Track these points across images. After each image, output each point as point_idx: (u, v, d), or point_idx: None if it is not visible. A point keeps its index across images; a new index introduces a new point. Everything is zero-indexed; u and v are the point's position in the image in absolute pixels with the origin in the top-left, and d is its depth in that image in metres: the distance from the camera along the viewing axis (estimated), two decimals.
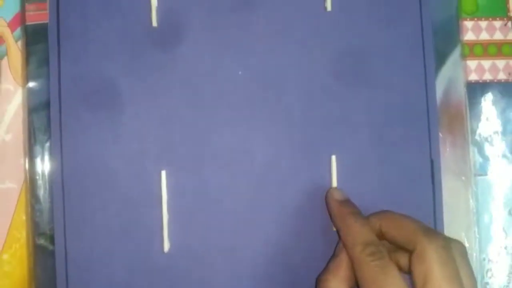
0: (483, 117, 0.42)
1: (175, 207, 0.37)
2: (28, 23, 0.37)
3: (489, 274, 0.41)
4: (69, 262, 0.35)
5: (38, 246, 0.36)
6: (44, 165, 0.37)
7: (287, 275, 0.38)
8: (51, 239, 0.36)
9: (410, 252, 0.33)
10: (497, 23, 0.43)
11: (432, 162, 0.40)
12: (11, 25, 0.37)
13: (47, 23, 0.37)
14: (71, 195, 0.36)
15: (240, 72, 0.38)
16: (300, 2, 0.39)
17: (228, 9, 0.38)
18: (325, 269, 0.35)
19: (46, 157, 0.37)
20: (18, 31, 0.37)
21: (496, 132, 0.42)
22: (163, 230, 0.36)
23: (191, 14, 0.38)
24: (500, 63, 0.42)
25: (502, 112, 0.42)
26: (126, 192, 0.36)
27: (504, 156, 0.42)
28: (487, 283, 0.41)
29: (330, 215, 0.37)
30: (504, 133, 0.42)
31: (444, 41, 0.42)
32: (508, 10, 0.43)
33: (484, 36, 0.43)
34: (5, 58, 0.37)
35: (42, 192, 0.36)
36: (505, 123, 0.42)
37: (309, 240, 0.38)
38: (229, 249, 0.37)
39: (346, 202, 0.37)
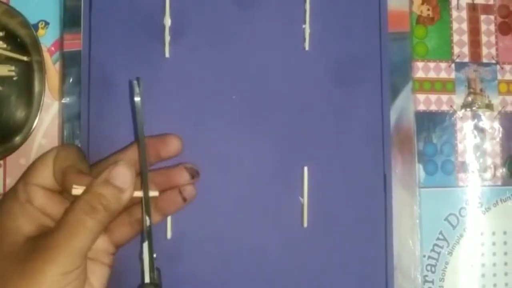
0: (427, 140, 0.45)
1: None
2: (65, 49, 0.40)
3: (428, 268, 0.44)
4: None
5: None
6: None
7: (263, 260, 0.41)
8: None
9: None
10: (443, 65, 0.46)
11: (385, 176, 0.44)
12: (50, 50, 0.41)
13: (80, 50, 0.40)
14: None
15: (234, 97, 0.42)
16: (280, 43, 0.43)
17: (227, 39, 0.42)
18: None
19: None
20: (56, 55, 0.41)
21: (437, 153, 0.46)
22: (167, 220, 0.40)
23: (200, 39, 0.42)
24: (444, 97, 0.46)
25: (442, 136, 0.46)
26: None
27: (442, 171, 0.45)
28: (426, 276, 0.44)
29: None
30: (442, 153, 0.46)
31: (399, 77, 0.45)
32: (452, 54, 0.46)
33: (432, 74, 0.46)
34: (45, 77, 0.40)
35: None
36: (443, 145, 0.46)
37: (281, 235, 0.42)
38: (221, 237, 0.41)
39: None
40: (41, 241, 0.29)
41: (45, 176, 0.31)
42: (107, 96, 0.41)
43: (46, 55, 0.41)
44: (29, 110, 0.40)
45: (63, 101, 0.41)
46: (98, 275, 0.32)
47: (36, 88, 0.40)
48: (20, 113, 0.40)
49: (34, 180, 0.31)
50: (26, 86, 0.40)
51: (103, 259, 0.33)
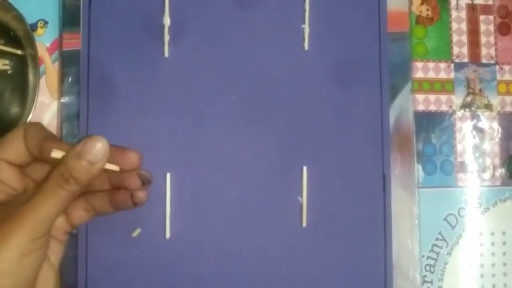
0: (426, 140, 0.46)
1: (176, 203, 0.40)
2: (64, 49, 0.40)
3: (427, 268, 0.44)
4: (89, 243, 0.39)
5: None
6: None
7: (262, 260, 0.42)
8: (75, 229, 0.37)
9: None
10: (442, 65, 0.46)
11: (384, 176, 0.44)
12: (49, 50, 0.41)
13: (79, 49, 0.40)
14: None
15: (233, 97, 0.42)
16: (280, 43, 0.43)
17: (227, 40, 0.42)
18: None
19: None
20: (55, 54, 0.41)
21: (436, 153, 0.46)
22: (166, 221, 0.40)
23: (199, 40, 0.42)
24: (443, 97, 0.46)
25: (441, 136, 0.46)
26: None
27: (441, 172, 0.45)
28: (425, 276, 0.44)
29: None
30: (441, 153, 0.46)
31: (398, 78, 0.45)
32: (451, 54, 0.46)
33: (431, 75, 0.46)
34: (44, 76, 0.41)
35: None
36: (442, 145, 0.46)
37: (280, 235, 0.42)
38: (220, 237, 0.41)
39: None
40: (12, 208, 0.31)
41: (13, 151, 0.33)
42: (106, 95, 0.41)
43: (45, 54, 0.41)
44: (24, 104, 0.40)
45: (62, 100, 0.41)
46: (55, 251, 0.34)
47: (31, 82, 0.40)
48: (14, 108, 0.40)
49: (1, 155, 0.33)
50: (20, 80, 0.40)
51: (60, 236, 0.35)
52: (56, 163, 0.32)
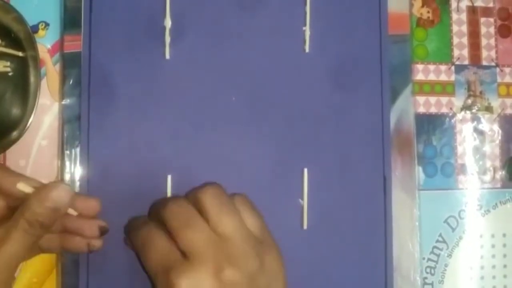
0: (427, 143, 0.46)
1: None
2: (65, 51, 0.40)
3: (427, 270, 0.45)
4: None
5: None
6: (73, 166, 0.40)
7: None
8: None
9: None
10: (443, 67, 0.47)
11: (384, 178, 0.44)
12: (51, 52, 0.41)
13: (80, 51, 0.40)
14: (95, 191, 0.39)
15: (233, 98, 0.42)
16: (281, 45, 0.43)
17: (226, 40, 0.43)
18: None
19: (75, 160, 0.40)
20: (56, 56, 0.41)
21: (436, 155, 0.46)
22: None
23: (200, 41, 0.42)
24: (444, 99, 0.46)
25: (442, 139, 0.46)
26: (138, 190, 0.40)
27: (442, 174, 0.46)
28: (426, 278, 0.44)
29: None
30: (442, 156, 0.46)
31: (399, 80, 0.45)
32: (452, 57, 0.47)
33: (432, 77, 0.46)
34: (45, 78, 0.41)
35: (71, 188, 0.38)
36: (443, 148, 0.46)
37: (281, 237, 0.39)
38: None
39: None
40: None
41: None
42: (107, 97, 0.41)
43: (46, 55, 0.41)
44: (25, 106, 0.40)
45: (63, 102, 0.41)
46: None
47: (32, 84, 0.40)
48: (16, 109, 0.40)
49: None
50: (21, 82, 0.40)
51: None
52: (18, 200, 0.33)
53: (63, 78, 0.41)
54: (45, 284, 0.40)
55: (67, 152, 0.40)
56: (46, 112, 0.41)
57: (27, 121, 0.40)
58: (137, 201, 0.40)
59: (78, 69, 0.41)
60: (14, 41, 0.40)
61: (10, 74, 0.40)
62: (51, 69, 0.41)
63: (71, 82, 0.41)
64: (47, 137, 0.41)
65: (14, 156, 0.40)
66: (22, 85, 0.40)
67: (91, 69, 0.41)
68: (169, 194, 0.41)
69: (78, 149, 0.40)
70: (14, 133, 0.39)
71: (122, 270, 0.40)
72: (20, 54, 0.40)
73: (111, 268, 0.40)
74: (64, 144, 0.40)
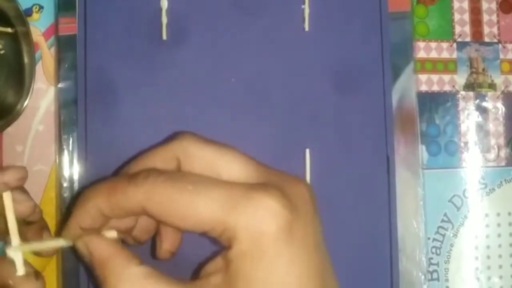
0: (430, 121, 0.45)
1: None
2: (60, 33, 0.40)
3: (433, 250, 0.45)
4: None
5: (65, 218, 0.36)
6: (71, 151, 0.39)
7: None
8: None
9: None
10: (445, 44, 0.46)
11: (388, 158, 0.43)
12: (45, 35, 0.40)
13: (75, 34, 0.40)
14: (94, 177, 0.39)
15: (233, 79, 0.42)
16: (281, 23, 0.43)
17: (226, 25, 0.42)
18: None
19: (73, 145, 0.39)
20: (51, 39, 0.40)
21: (440, 133, 0.46)
22: None
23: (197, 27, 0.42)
24: (446, 77, 0.46)
25: (445, 117, 0.46)
26: None
27: (446, 153, 0.45)
28: (431, 258, 0.44)
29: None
30: (447, 134, 0.46)
31: (400, 58, 0.45)
32: (453, 34, 0.46)
33: (434, 54, 0.46)
34: (40, 62, 0.40)
35: (68, 173, 0.39)
36: (446, 126, 0.46)
37: None
38: None
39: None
40: None
41: None
42: (104, 80, 0.40)
43: (41, 39, 0.41)
44: (21, 87, 0.39)
45: (59, 86, 0.40)
46: None
47: (26, 61, 0.39)
48: (10, 91, 0.39)
49: None
50: (15, 60, 0.39)
51: None
52: None
53: (59, 62, 0.40)
54: (45, 271, 0.40)
55: (65, 136, 0.40)
56: (42, 97, 0.41)
57: (23, 103, 0.39)
58: None
59: (73, 52, 0.40)
60: (3, 19, 0.39)
61: (1, 52, 0.39)
62: (46, 53, 0.41)
63: (66, 65, 0.40)
64: (43, 122, 0.40)
65: (11, 142, 0.40)
66: (16, 65, 0.39)
67: (87, 51, 0.40)
68: None
69: (75, 134, 0.40)
70: (9, 117, 0.39)
71: None
72: (10, 30, 0.39)
73: None
74: (61, 129, 0.40)
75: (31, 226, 0.31)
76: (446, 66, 0.46)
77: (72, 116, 0.40)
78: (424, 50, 0.46)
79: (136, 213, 0.27)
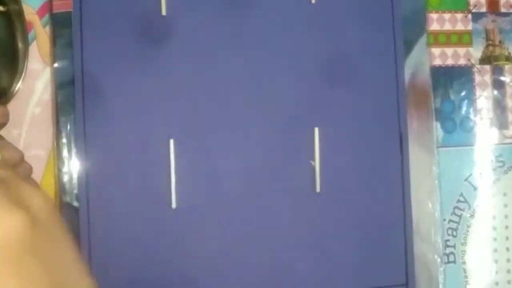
0: (445, 96, 0.44)
1: (182, 171, 0.39)
2: (55, 11, 0.39)
3: (449, 232, 0.43)
4: (91, 216, 0.38)
5: (65, 203, 0.38)
6: (69, 134, 0.38)
7: (275, 227, 0.40)
8: (76, 197, 0.38)
9: None
10: (459, 16, 0.44)
11: (401, 135, 0.42)
12: (39, 13, 0.39)
13: (71, 11, 0.39)
14: (93, 161, 0.38)
15: (239, 58, 0.41)
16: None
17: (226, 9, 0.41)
18: None
19: (71, 127, 0.38)
20: (46, 18, 0.39)
21: (455, 110, 0.44)
22: (171, 190, 0.39)
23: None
24: (461, 50, 0.44)
25: (460, 92, 0.44)
26: (140, 157, 0.39)
27: (461, 130, 0.44)
28: (447, 240, 0.43)
29: None
30: (463, 110, 0.44)
31: (412, 30, 0.43)
32: (468, 4, 0.45)
33: (447, 26, 0.44)
34: (34, 41, 0.39)
35: (67, 157, 0.38)
36: (461, 102, 0.44)
37: (293, 201, 0.41)
38: (229, 204, 0.40)
39: None
40: None
41: None
42: (102, 57, 0.39)
43: (35, 17, 0.39)
44: (14, 66, 0.38)
45: (55, 65, 0.39)
46: None
47: (19, 40, 0.38)
48: (4, 69, 0.38)
49: None
50: (7, 40, 0.38)
51: None
52: None
53: (54, 40, 0.39)
54: None
55: (62, 119, 0.39)
56: (38, 78, 0.39)
57: (16, 85, 0.38)
58: (138, 167, 0.39)
59: (69, 29, 0.39)
60: None
61: None
62: (41, 32, 0.40)
63: (62, 44, 0.39)
64: (40, 104, 0.39)
65: (7, 126, 0.38)
66: (8, 45, 0.38)
67: (83, 28, 0.39)
68: (172, 160, 0.39)
69: (72, 116, 0.39)
70: (2, 99, 0.37)
71: (126, 238, 0.39)
72: (1, 8, 0.37)
73: (114, 234, 0.39)
74: (58, 111, 0.39)
75: None
76: (461, 39, 0.45)
77: (69, 98, 0.39)
78: (437, 22, 0.44)
79: None
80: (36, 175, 0.38)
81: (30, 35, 0.39)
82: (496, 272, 0.44)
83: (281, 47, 0.41)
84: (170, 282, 0.39)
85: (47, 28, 0.40)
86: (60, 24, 0.39)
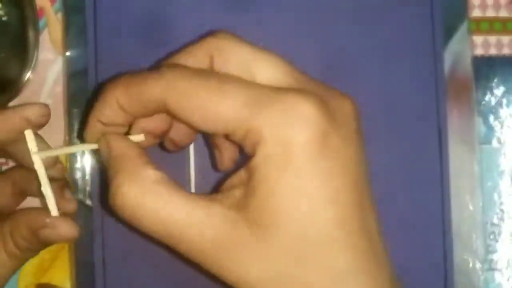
0: (488, 89, 0.42)
1: (201, 157, 0.38)
2: None
3: (491, 237, 0.42)
4: (105, 215, 0.37)
5: (77, 201, 0.36)
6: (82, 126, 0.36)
7: None
8: (89, 195, 0.37)
9: None
10: (503, 1, 0.43)
11: (439, 130, 0.41)
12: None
13: None
14: None
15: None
16: None
17: None
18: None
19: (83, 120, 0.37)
20: (58, 3, 0.38)
21: (499, 104, 0.42)
22: (190, 175, 0.38)
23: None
24: (505, 38, 0.43)
25: (506, 85, 0.43)
26: (156, 151, 0.37)
27: (507, 126, 0.42)
28: (489, 245, 0.41)
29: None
30: (507, 104, 0.42)
31: (452, 17, 0.42)
32: None
33: (490, 13, 0.43)
34: (46, 29, 0.38)
35: (80, 152, 0.36)
36: (508, 95, 0.42)
37: None
38: None
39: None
40: None
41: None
42: (116, 44, 0.38)
43: (46, 3, 0.38)
44: (25, 54, 0.37)
45: (67, 54, 0.38)
46: None
47: (30, 28, 0.37)
48: (14, 58, 0.37)
49: None
50: (17, 28, 0.37)
51: None
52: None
53: (66, 28, 0.38)
54: (57, 260, 0.38)
55: (75, 110, 0.37)
56: (50, 68, 0.38)
57: (26, 75, 0.37)
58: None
59: (82, 16, 0.38)
60: None
61: (4, 19, 0.37)
62: (53, 19, 0.39)
63: (75, 31, 0.38)
64: (52, 95, 0.38)
65: None
66: (19, 33, 0.37)
67: (97, 15, 0.37)
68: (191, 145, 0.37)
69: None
70: (13, 89, 0.36)
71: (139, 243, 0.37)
72: None
73: (128, 240, 0.37)
74: (70, 102, 0.38)
75: (52, 183, 0.29)
76: (505, 26, 0.43)
77: (83, 86, 0.37)
78: (479, 7, 0.43)
79: (156, 108, 0.25)
80: None
81: (41, 22, 0.38)
82: None
83: (311, 35, 0.40)
84: (187, 281, 0.37)
85: (59, 15, 0.39)
86: (73, 10, 0.38)
